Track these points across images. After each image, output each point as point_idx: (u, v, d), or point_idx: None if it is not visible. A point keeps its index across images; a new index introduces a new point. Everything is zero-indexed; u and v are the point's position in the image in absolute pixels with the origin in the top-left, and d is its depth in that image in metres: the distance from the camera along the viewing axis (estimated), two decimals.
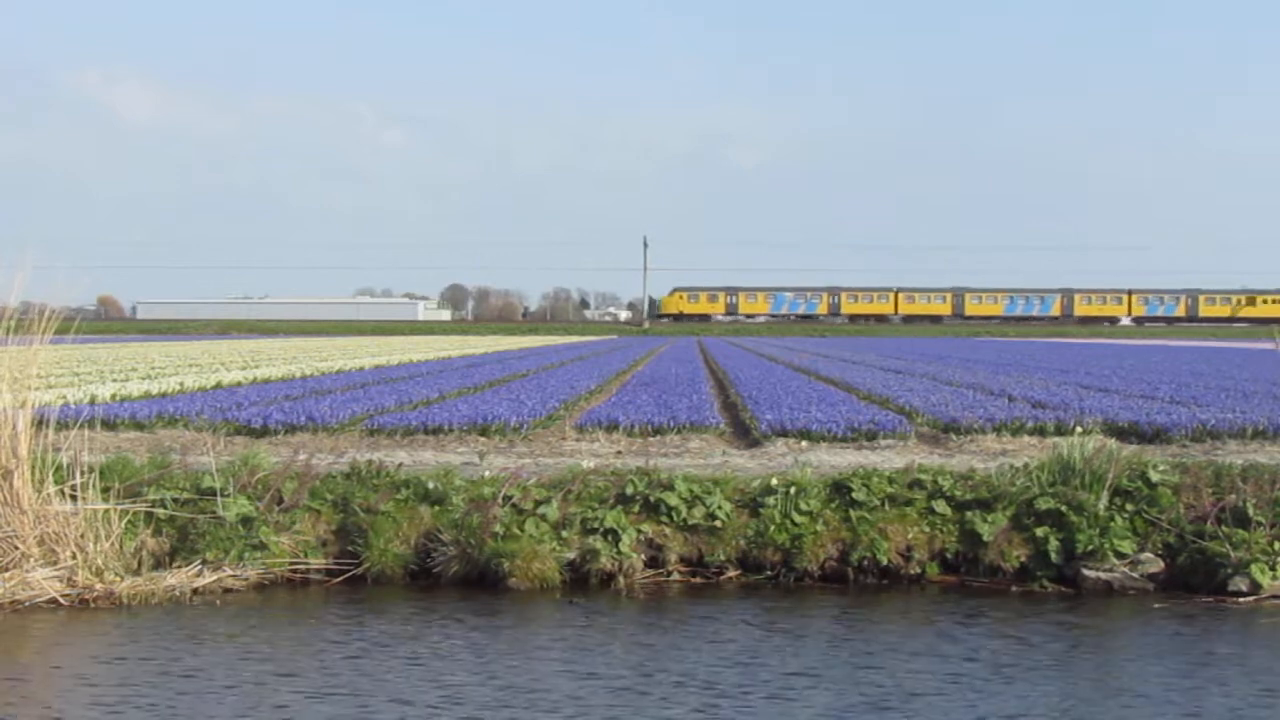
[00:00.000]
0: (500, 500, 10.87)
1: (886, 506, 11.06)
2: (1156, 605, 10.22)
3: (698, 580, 10.95)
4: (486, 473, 11.67)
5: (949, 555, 10.99)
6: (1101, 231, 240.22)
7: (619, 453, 14.54)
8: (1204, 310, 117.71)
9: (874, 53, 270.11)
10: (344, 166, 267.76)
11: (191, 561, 10.63)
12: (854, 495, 11.05)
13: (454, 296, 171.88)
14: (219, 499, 10.88)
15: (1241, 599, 10.27)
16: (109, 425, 15.92)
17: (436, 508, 11.03)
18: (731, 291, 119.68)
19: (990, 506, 11.05)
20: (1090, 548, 10.69)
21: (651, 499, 11.02)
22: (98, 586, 10.19)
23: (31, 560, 10.36)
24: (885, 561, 10.86)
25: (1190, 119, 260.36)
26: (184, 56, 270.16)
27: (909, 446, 15.06)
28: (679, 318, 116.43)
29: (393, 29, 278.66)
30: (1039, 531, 10.87)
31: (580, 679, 8.14)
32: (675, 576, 10.97)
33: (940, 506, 11.06)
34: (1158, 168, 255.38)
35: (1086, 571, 10.68)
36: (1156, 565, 10.75)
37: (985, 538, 10.89)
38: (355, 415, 17.19)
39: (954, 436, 15.85)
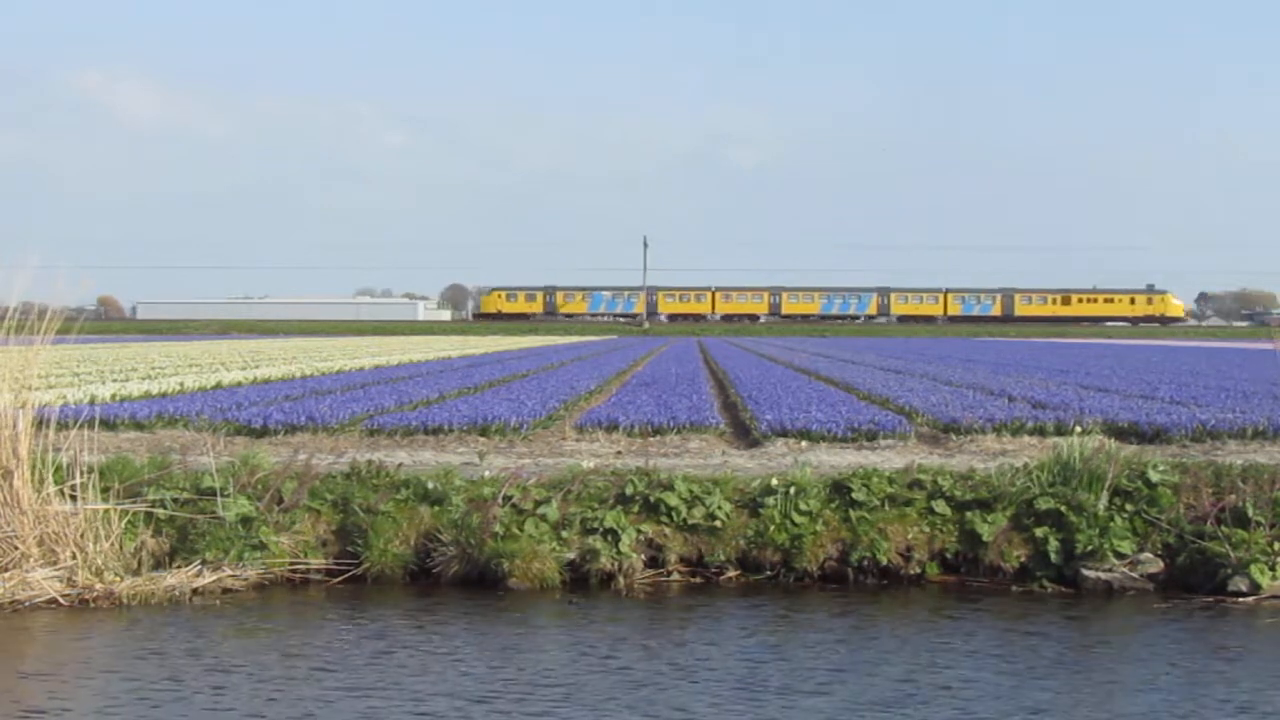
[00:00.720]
0: (500, 500, 10.88)
1: (886, 506, 11.07)
2: (1156, 605, 10.23)
3: (698, 580, 10.96)
4: (486, 473, 11.68)
5: (949, 555, 11.00)
6: (1107, 231, 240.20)
7: (619, 453, 14.54)
8: (1019, 309, 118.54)
9: (878, 52, 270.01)
10: (344, 167, 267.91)
11: (191, 561, 10.64)
12: (854, 495, 11.05)
13: (454, 296, 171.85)
14: (219, 499, 10.88)
15: (1241, 599, 10.27)
16: (109, 425, 15.92)
17: (436, 508, 11.03)
18: (549, 291, 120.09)
19: (990, 506, 11.05)
20: (1090, 548, 10.69)
21: (651, 499, 11.03)
22: (98, 586, 10.19)
23: (31, 560, 10.36)
24: (885, 561, 10.86)
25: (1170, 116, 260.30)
26: (184, 57, 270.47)
27: (909, 446, 15.06)
28: (498, 316, 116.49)
29: (393, 29, 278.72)
30: (1039, 531, 10.87)
31: (580, 678, 8.15)
32: (675, 576, 10.97)
33: (940, 506, 11.06)
34: (1156, 167, 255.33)
35: (1086, 571, 10.68)
36: (1156, 565, 10.75)
37: (985, 538, 10.89)
38: (355, 415, 17.19)
39: (954, 436, 15.85)
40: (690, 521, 10.99)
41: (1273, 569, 10.38)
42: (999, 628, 9.62)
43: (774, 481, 11.20)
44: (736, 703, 7.68)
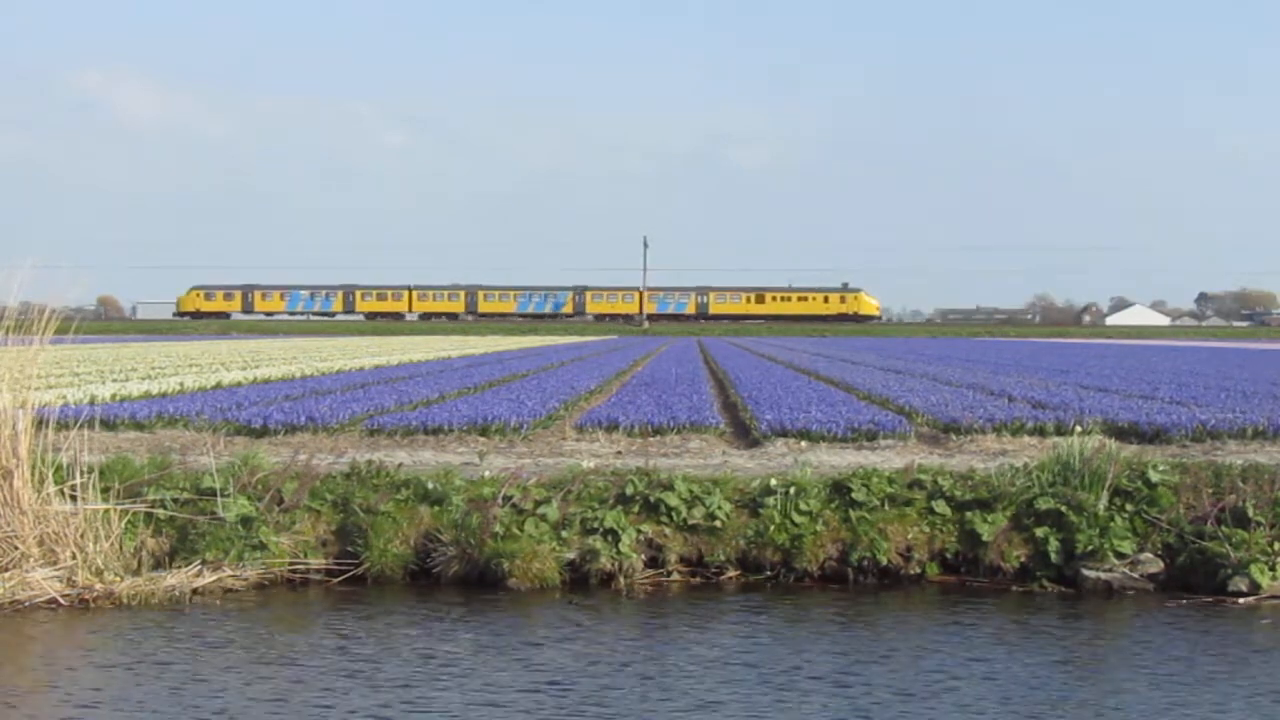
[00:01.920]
0: (500, 500, 10.87)
1: (886, 506, 11.06)
2: (1156, 606, 10.22)
3: (697, 580, 10.95)
4: (486, 473, 11.67)
5: (949, 555, 10.99)
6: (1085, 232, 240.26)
7: (619, 453, 14.54)
8: (714, 308, 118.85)
9: (877, 52, 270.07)
10: (344, 167, 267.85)
11: (191, 561, 10.63)
12: (854, 495, 11.05)
13: None
14: (219, 499, 10.88)
15: (1241, 599, 10.27)
16: (109, 425, 15.92)
17: (436, 508, 11.03)
18: (248, 289, 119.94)
19: (990, 506, 11.05)
20: (1090, 548, 10.69)
21: (651, 499, 11.02)
22: (98, 586, 10.19)
23: (31, 560, 10.36)
24: (885, 561, 10.86)
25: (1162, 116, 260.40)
26: (185, 57, 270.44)
27: (909, 446, 15.06)
28: (197, 315, 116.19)
29: (393, 29, 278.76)
30: (1039, 531, 10.87)
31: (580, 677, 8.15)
32: (675, 576, 10.97)
33: (940, 506, 11.06)
34: (1155, 168, 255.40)
35: (1086, 571, 10.68)
36: (1156, 565, 10.75)
37: (985, 538, 10.89)
38: (355, 415, 17.18)
39: (954, 436, 15.84)
40: (690, 521, 10.99)
41: (1273, 569, 10.38)
42: (999, 628, 9.62)
43: (774, 481, 11.20)
44: (739, 703, 7.69)
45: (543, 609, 10.06)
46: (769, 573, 10.94)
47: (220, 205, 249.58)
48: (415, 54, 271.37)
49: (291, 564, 10.85)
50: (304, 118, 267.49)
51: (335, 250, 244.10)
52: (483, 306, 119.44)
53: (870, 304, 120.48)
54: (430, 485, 11.16)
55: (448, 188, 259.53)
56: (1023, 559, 10.89)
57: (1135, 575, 10.69)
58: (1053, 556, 10.78)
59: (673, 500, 10.99)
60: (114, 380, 24.81)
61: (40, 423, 11.04)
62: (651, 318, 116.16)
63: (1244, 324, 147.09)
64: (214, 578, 10.51)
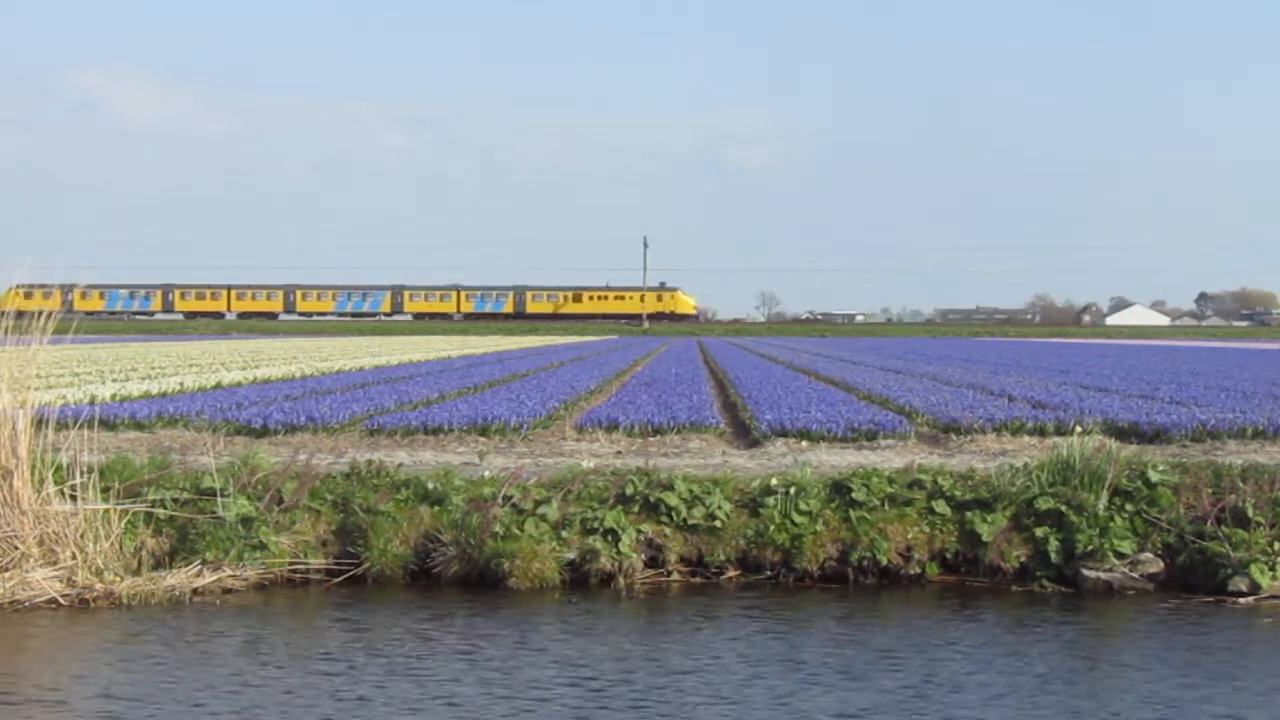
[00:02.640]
0: (500, 500, 10.87)
1: (886, 506, 11.06)
2: (1156, 606, 10.22)
3: (697, 580, 10.95)
4: (486, 473, 11.67)
5: (949, 555, 10.99)
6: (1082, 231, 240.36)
7: (619, 453, 14.54)
8: (531, 306, 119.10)
9: (877, 52, 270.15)
10: (344, 167, 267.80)
11: (191, 561, 10.63)
12: (854, 495, 11.05)
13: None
14: (219, 499, 10.88)
15: (1241, 599, 10.27)
16: (109, 425, 15.92)
17: (436, 508, 11.03)
18: (67, 288, 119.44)
19: (990, 506, 11.05)
20: (1090, 548, 10.69)
21: (651, 499, 11.02)
22: (98, 586, 10.19)
23: (31, 560, 10.36)
24: (885, 561, 10.86)
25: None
26: (185, 57, 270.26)
27: (909, 446, 15.06)
28: (21, 315, 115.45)
29: (393, 29, 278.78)
30: (1039, 531, 10.87)
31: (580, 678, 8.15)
32: (675, 576, 10.97)
33: (940, 506, 11.06)
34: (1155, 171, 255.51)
35: (1086, 571, 10.68)
36: (1156, 565, 10.75)
37: (985, 538, 10.88)
38: (355, 415, 17.19)
39: (954, 436, 15.85)
40: (690, 521, 10.99)
41: (1273, 569, 10.38)
42: (999, 628, 9.62)
43: (774, 481, 11.20)
44: (744, 704, 7.69)
45: (543, 608, 10.06)
46: (769, 573, 10.94)
47: (220, 205, 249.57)
48: (415, 54, 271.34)
49: (291, 564, 10.85)
50: (304, 118, 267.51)
51: (336, 250, 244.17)
52: (300, 306, 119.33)
53: (687, 303, 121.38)
54: (430, 485, 11.16)
55: (448, 188, 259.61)
56: (1023, 559, 10.89)
57: (1135, 575, 10.69)
58: (1053, 556, 10.78)
59: (673, 500, 10.99)
60: (114, 380, 24.81)
61: (40, 423, 11.04)
62: (468, 316, 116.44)
63: (1244, 324, 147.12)
64: (214, 578, 10.51)
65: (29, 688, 8.04)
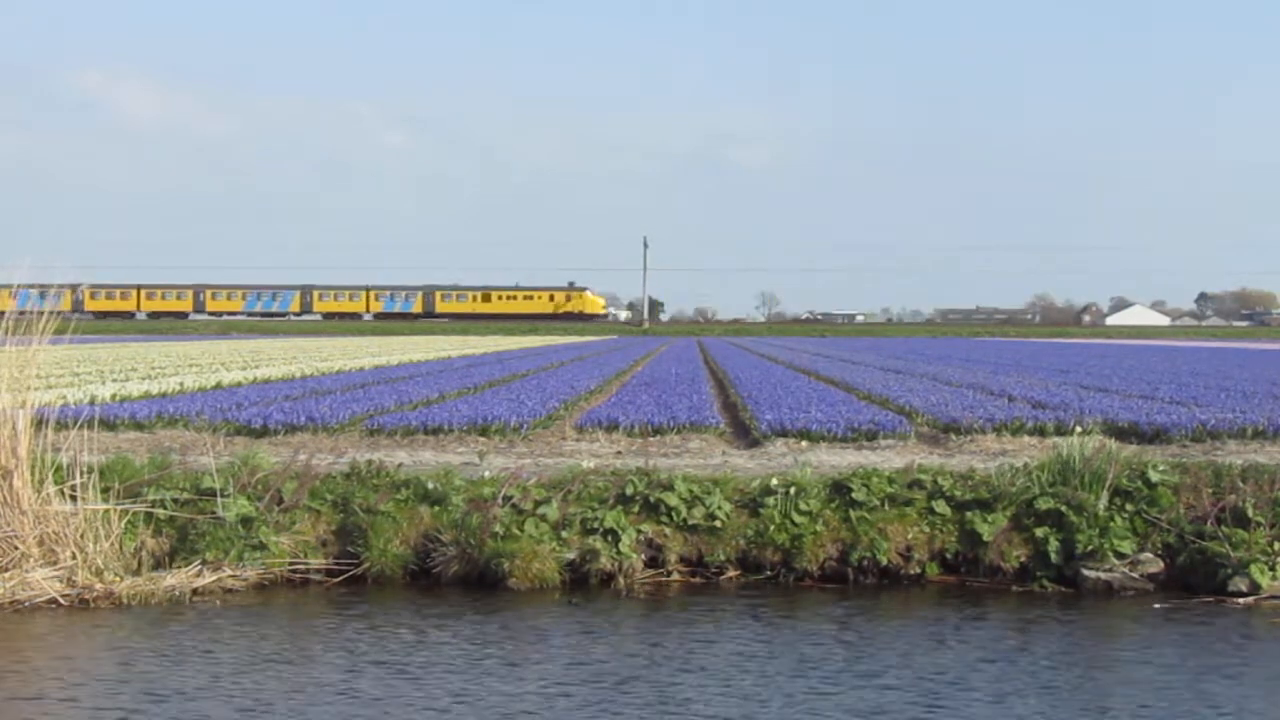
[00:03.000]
0: (500, 500, 10.87)
1: (886, 506, 11.06)
2: (1156, 605, 10.22)
3: (697, 580, 10.95)
4: (486, 473, 11.67)
5: (949, 555, 10.99)
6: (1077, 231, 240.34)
7: (619, 453, 14.54)
8: (440, 306, 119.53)
9: (877, 52, 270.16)
10: (344, 166, 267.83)
11: (191, 561, 10.63)
12: (854, 495, 11.05)
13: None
14: (219, 499, 10.87)
15: (1241, 599, 10.27)
16: (109, 425, 15.92)
17: (436, 508, 11.03)
18: None
19: (990, 506, 11.05)
20: (1090, 548, 10.69)
21: (651, 499, 11.02)
22: (98, 586, 10.19)
23: (31, 560, 10.36)
24: (885, 561, 10.86)
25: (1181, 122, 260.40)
26: (185, 57, 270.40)
27: (909, 446, 15.06)
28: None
29: (393, 29, 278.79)
30: (1039, 531, 10.87)
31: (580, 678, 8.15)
32: (675, 576, 10.97)
33: (940, 506, 11.06)
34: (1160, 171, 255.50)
35: (1086, 571, 10.68)
36: (1156, 565, 10.75)
37: (985, 538, 10.88)
38: (355, 415, 17.19)
39: (954, 436, 15.84)
40: (690, 521, 10.99)
41: (1273, 569, 10.38)
42: (999, 628, 9.61)
43: (774, 481, 11.20)
44: (749, 706, 7.69)
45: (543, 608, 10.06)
46: (769, 573, 10.93)
47: (220, 205, 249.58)
48: (415, 54, 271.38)
49: (291, 564, 10.85)
50: (304, 118, 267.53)
51: (335, 250, 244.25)
52: (210, 305, 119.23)
53: (595, 303, 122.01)
54: (430, 485, 11.16)
55: (448, 188, 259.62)
56: (1023, 559, 10.89)
57: (1135, 575, 10.69)
58: (1053, 556, 10.77)
59: (673, 500, 10.99)
60: (114, 380, 24.81)
61: (40, 423, 11.04)
62: (378, 316, 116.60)
63: (1244, 324, 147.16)
64: (214, 578, 10.51)
65: (29, 688, 8.04)
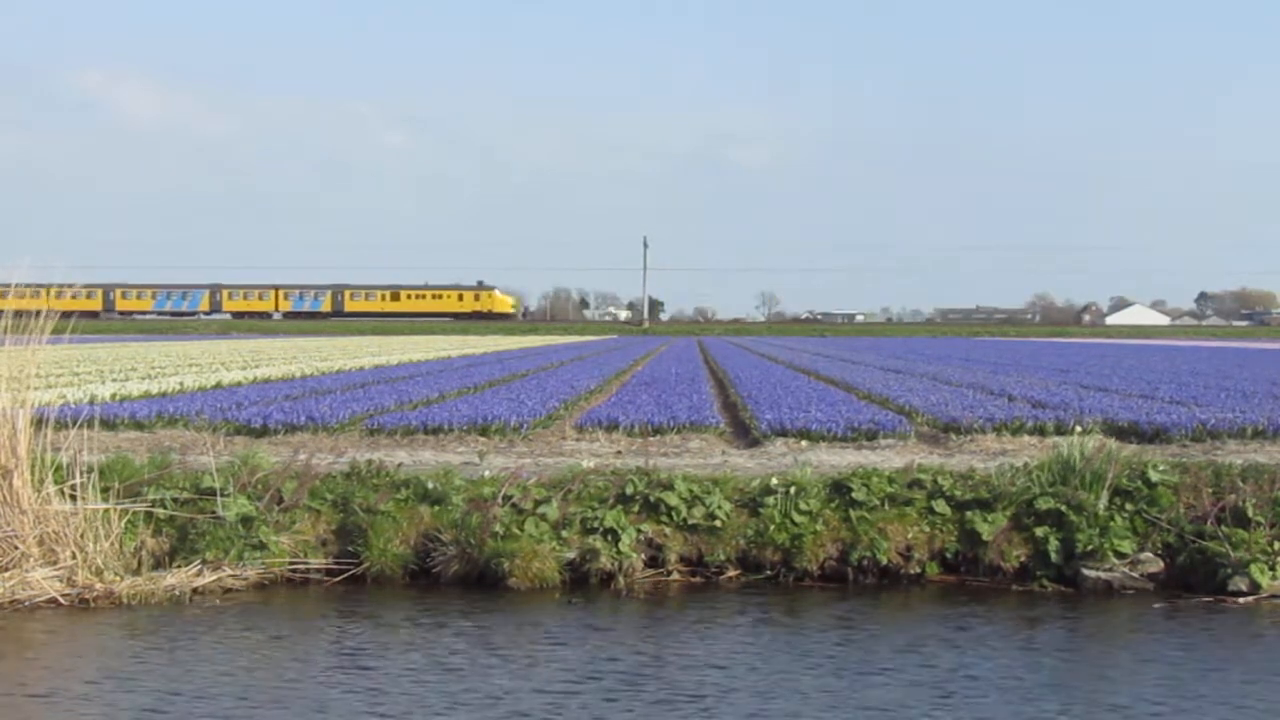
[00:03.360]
0: (500, 500, 10.87)
1: (886, 506, 11.06)
2: (1156, 605, 10.22)
3: (698, 580, 10.95)
4: (486, 473, 11.67)
5: (949, 555, 10.99)
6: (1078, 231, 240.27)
7: (619, 452, 14.54)
8: (349, 305, 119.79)
9: (877, 52, 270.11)
10: (345, 166, 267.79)
11: (191, 561, 10.63)
12: (854, 495, 11.05)
13: None
14: (219, 499, 10.87)
15: (1241, 599, 10.27)
16: (109, 425, 15.92)
17: (436, 508, 11.03)
18: None
19: (990, 506, 11.05)
20: (1090, 547, 10.69)
21: (651, 499, 11.02)
22: (97, 586, 10.19)
23: (31, 560, 10.35)
24: (885, 561, 10.86)
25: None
26: (186, 57, 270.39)
27: (909, 446, 15.06)
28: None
29: (394, 29, 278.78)
30: (1039, 531, 10.87)
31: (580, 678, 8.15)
32: (675, 576, 10.96)
33: (940, 506, 11.06)
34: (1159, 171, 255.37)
35: (1086, 571, 10.67)
36: (1156, 565, 10.75)
37: (985, 537, 10.88)
38: (355, 415, 17.19)
39: (954, 436, 15.85)
40: (690, 521, 10.99)
41: (1273, 569, 10.38)
42: (999, 627, 9.61)
43: (774, 481, 11.20)
44: (734, 705, 7.69)
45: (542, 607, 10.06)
46: (769, 572, 10.93)
47: (220, 205, 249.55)
48: (415, 54, 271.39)
49: (291, 564, 10.85)
50: (304, 118, 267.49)
51: (335, 250, 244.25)
52: (120, 305, 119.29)
53: (505, 302, 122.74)
54: (430, 485, 11.16)
55: (448, 188, 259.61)
56: (1023, 559, 10.89)
57: (1135, 575, 10.69)
58: (1053, 556, 10.77)
59: (673, 500, 10.99)
60: (114, 380, 24.82)
61: (40, 422, 11.04)
62: (287, 315, 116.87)
63: (1244, 324, 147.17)
64: (214, 577, 10.51)
65: (28, 687, 8.03)
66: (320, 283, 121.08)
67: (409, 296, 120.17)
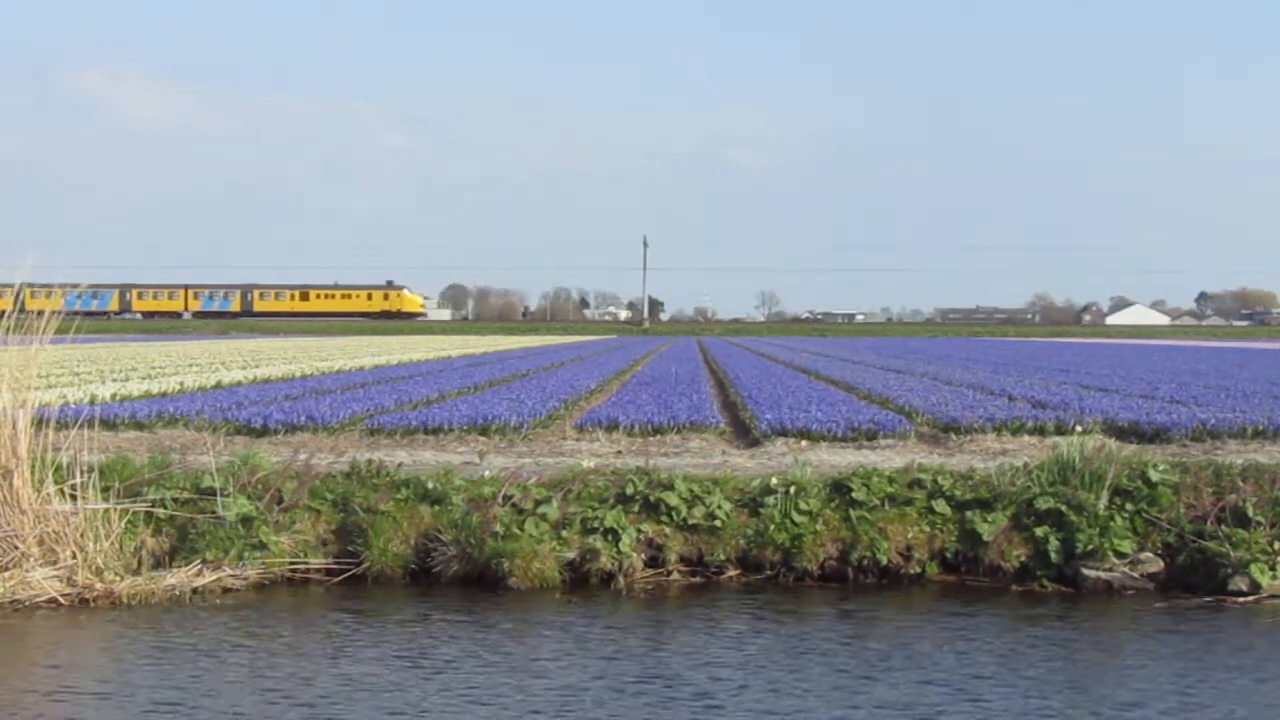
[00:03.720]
0: (500, 500, 10.87)
1: (886, 506, 11.06)
2: (1156, 605, 10.22)
3: (698, 580, 10.95)
4: (486, 472, 11.67)
5: (949, 555, 10.99)
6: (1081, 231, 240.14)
7: (619, 452, 14.54)
8: (259, 305, 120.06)
9: (877, 52, 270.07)
10: (345, 166, 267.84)
11: (191, 561, 10.63)
12: (854, 495, 11.05)
13: (454, 296, 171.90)
14: (219, 499, 10.87)
15: (1241, 599, 10.27)
16: (109, 425, 15.92)
17: (436, 507, 11.03)
18: None
19: (990, 506, 11.05)
20: (1090, 547, 10.69)
21: (651, 499, 11.02)
22: (97, 586, 10.19)
23: (31, 560, 10.35)
24: (885, 561, 10.86)
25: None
26: (186, 56, 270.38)
27: (909, 446, 15.06)
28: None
29: (395, 29, 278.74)
30: (1039, 531, 10.87)
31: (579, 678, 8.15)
32: (675, 576, 10.96)
33: (940, 506, 11.06)
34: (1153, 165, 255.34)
35: (1086, 571, 10.67)
36: (1156, 565, 10.75)
37: (985, 537, 10.88)
38: (355, 415, 17.19)
39: (954, 436, 15.84)
40: (690, 521, 10.99)
41: (1273, 569, 10.38)
42: (999, 627, 9.61)
43: (774, 481, 11.20)
44: (738, 705, 7.69)
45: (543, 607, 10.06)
46: (769, 572, 10.93)
47: (220, 205, 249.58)
48: (415, 54, 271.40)
49: (291, 563, 10.85)
50: (304, 118, 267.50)
51: (336, 250, 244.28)
52: (30, 304, 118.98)
53: (414, 301, 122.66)
54: (430, 485, 11.16)
55: (448, 188, 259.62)
56: (1023, 558, 10.88)
57: (1135, 575, 10.69)
58: (1053, 556, 10.77)
59: (673, 500, 10.99)
60: (114, 380, 24.82)
61: (40, 422, 11.04)
62: (197, 314, 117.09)
63: (1244, 324, 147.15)
64: (214, 577, 10.51)
65: (28, 687, 8.04)
66: (231, 282, 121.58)
67: (318, 296, 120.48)
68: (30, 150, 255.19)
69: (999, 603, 10.33)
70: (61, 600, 10.08)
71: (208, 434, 15.17)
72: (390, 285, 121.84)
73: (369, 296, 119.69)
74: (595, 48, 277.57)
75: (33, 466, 10.66)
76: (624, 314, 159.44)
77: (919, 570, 10.94)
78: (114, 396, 19.85)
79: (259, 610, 10.01)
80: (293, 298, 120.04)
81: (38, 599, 10.07)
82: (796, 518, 10.93)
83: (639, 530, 10.88)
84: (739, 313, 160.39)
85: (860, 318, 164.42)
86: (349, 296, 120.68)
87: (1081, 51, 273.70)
